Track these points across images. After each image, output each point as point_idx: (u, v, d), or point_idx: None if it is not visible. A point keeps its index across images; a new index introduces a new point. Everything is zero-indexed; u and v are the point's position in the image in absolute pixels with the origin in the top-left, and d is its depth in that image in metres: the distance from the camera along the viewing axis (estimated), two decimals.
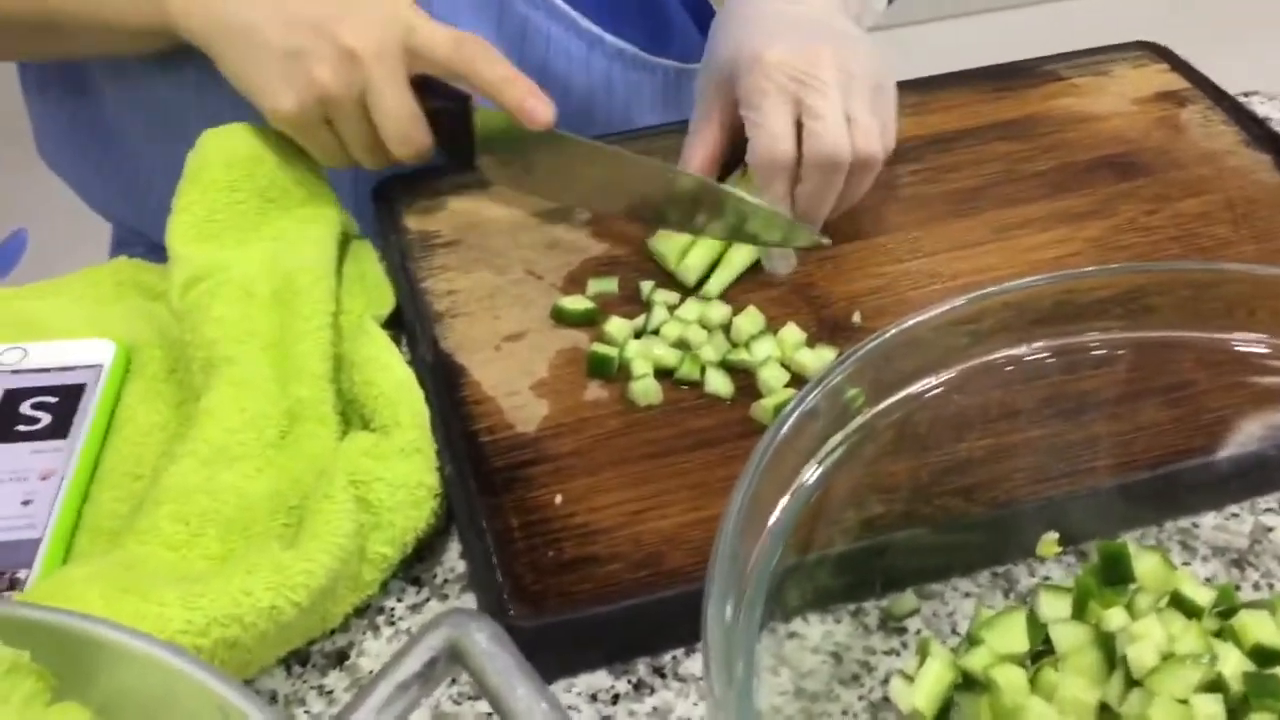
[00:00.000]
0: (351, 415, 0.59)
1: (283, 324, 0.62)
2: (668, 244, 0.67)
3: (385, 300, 0.67)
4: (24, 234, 1.89)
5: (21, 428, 0.58)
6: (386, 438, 0.55)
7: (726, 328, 0.63)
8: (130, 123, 0.82)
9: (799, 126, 0.64)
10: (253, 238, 0.67)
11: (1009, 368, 0.53)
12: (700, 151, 0.68)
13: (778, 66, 0.63)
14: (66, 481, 0.56)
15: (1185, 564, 0.55)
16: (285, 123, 0.64)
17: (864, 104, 0.64)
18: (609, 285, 0.66)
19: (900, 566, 0.53)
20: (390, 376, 0.58)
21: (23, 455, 0.57)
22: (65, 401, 0.60)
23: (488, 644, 0.35)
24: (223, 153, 0.67)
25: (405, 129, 0.64)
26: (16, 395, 0.60)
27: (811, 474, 0.49)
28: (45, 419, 0.58)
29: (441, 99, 0.66)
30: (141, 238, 0.90)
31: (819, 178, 0.64)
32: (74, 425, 0.58)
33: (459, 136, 0.68)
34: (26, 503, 0.54)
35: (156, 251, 0.79)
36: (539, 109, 0.65)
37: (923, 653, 0.47)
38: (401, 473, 0.54)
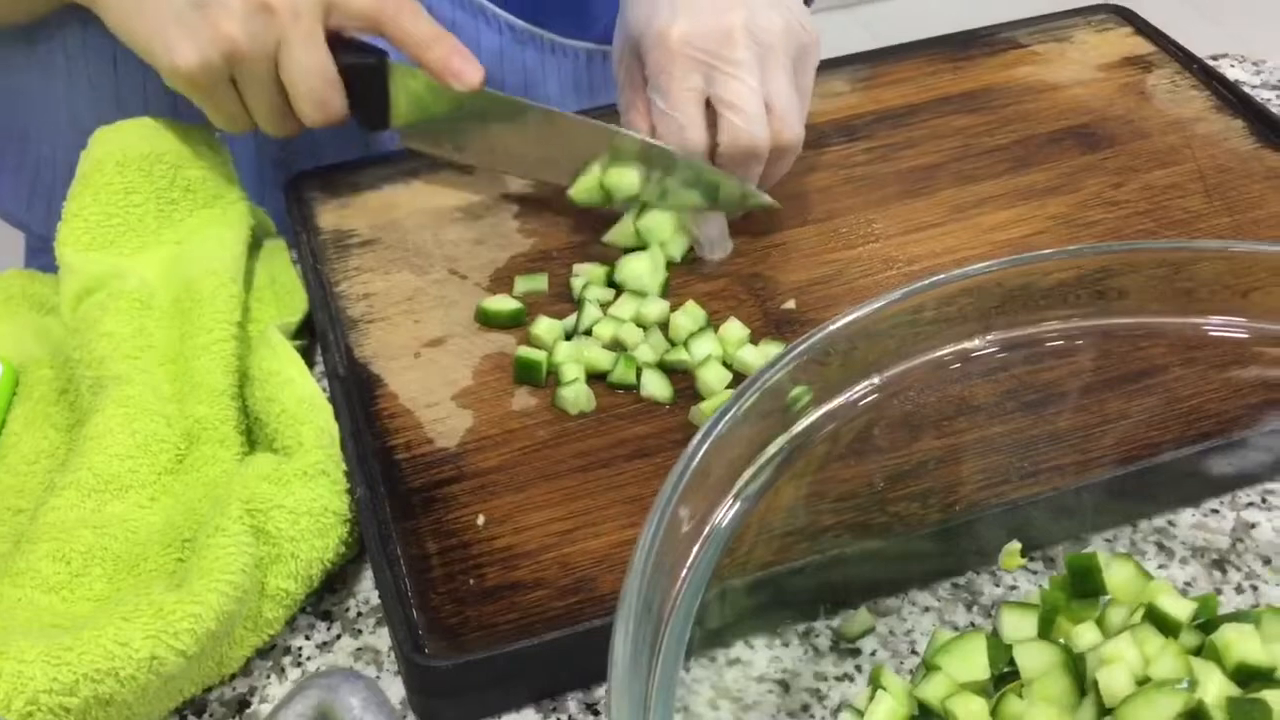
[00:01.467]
0: (258, 435, 0.54)
1: (183, 336, 0.57)
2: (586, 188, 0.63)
3: (298, 306, 0.62)
4: None
5: None
6: (288, 460, 0.50)
7: (664, 325, 0.59)
8: (28, 119, 0.76)
9: (711, 108, 0.59)
10: (152, 242, 0.62)
11: (965, 360, 0.48)
12: (642, 123, 0.63)
13: (683, 44, 0.58)
14: None
15: (1162, 567, 0.50)
16: (184, 81, 0.58)
17: (782, 83, 0.59)
18: (538, 283, 0.61)
19: (852, 581, 0.49)
20: (293, 392, 0.53)
21: None
22: None
23: (361, 709, 0.31)
24: (117, 152, 0.62)
25: (320, 91, 0.59)
26: None
27: (750, 483, 0.45)
28: None
29: (355, 55, 0.61)
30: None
31: (736, 164, 0.59)
32: None
33: (372, 97, 0.62)
34: None
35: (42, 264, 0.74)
36: (467, 70, 0.60)
37: (875, 683, 0.42)
38: (304, 498, 0.49)
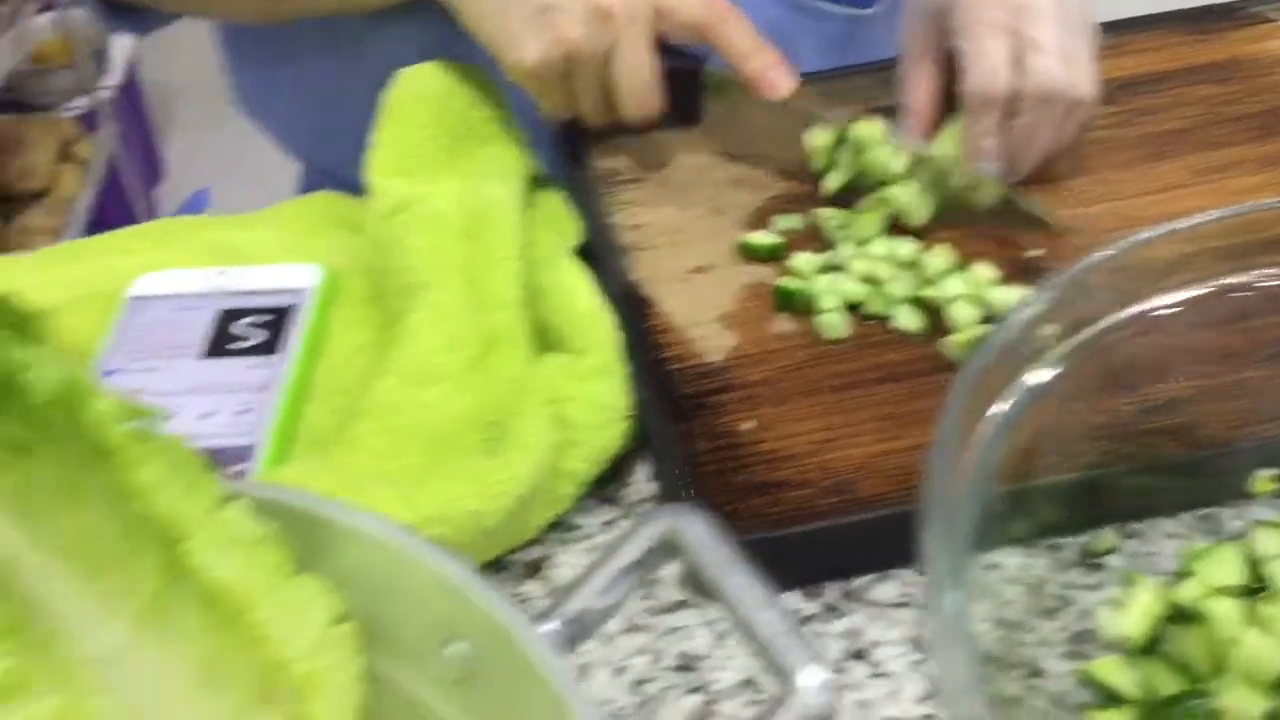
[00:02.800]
0: (549, 342, 0.60)
1: (475, 255, 0.64)
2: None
3: (571, 235, 0.68)
4: (206, 193, 1.99)
5: (236, 345, 0.61)
6: (580, 360, 0.56)
7: (915, 265, 0.62)
8: (324, 66, 0.85)
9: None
10: (445, 173, 0.69)
11: (1224, 296, 0.51)
12: (922, 89, 0.67)
13: None
14: (281, 391, 0.58)
15: None
16: (525, 75, 0.65)
17: (1081, 41, 0.63)
18: (794, 223, 0.66)
19: (1103, 505, 0.52)
20: (581, 303, 0.59)
21: (238, 370, 0.60)
22: (276, 321, 0.63)
23: (704, 535, 0.36)
24: (416, 91, 0.69)
25: (643, 91, 0.65)
26: (230, 315, 0.63)
27: (1009, 409, 0.48)
28: (258, 337, 0.61)
29: (675, 59, 0.67)
30: (329, 178, 0.93)
31: (1036, 112, 0.63)
32: (284, 343, 0.61)
33: (686, 97, 0.68)
34: (243, 412, 0.58)
35: (343, 190, 0.83)
36: (781, 81, 0.65)
37: (1128, 583, 0.45)
38: (596, 393, 0.55)
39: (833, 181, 0.67)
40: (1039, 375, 0.49)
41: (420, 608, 0.38)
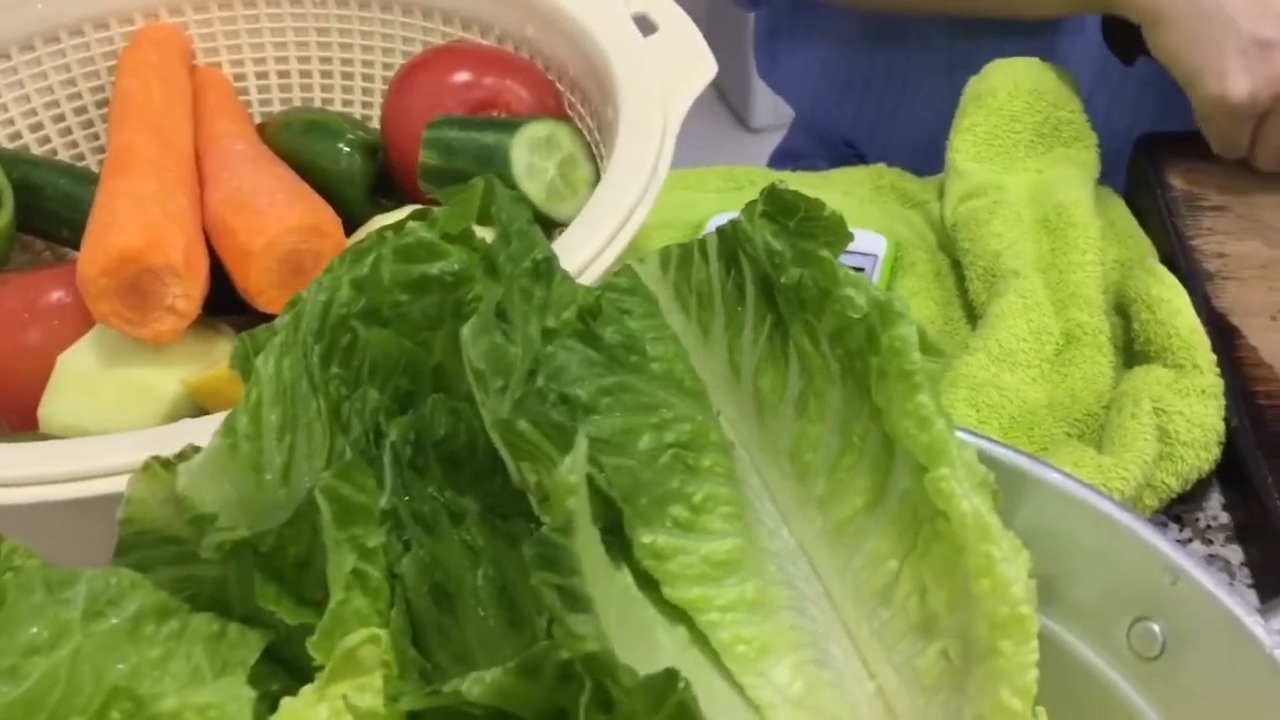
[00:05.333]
0: (1142, 351, 0.60)
1: (1053, 251, 0.65)
2: None
3: (1141, 248, 0.68)
4: None
5: None
6: (1184, 376, 0.56)
7: None
8: (850, 26, 0.87)
9: None
10: (1018, 167, 0.70)
11: None
12: None
13: None
14: None
15: None
16: (1223, 109, 0.64)
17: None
18: None
19: None
20: (1184, 320, 0.59)
21: None
22: None
23: None
24: (1009, 82, 0.71)
25: None
26: None
27: None
28: None
29: None
30: (806, 148, 0.95)
31: None
32: None
33: None
34: None
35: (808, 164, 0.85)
36: None
37: None
38: (1198, 412, 0.55)
39: None
40: None
41: (1112, 576, 0.39)
